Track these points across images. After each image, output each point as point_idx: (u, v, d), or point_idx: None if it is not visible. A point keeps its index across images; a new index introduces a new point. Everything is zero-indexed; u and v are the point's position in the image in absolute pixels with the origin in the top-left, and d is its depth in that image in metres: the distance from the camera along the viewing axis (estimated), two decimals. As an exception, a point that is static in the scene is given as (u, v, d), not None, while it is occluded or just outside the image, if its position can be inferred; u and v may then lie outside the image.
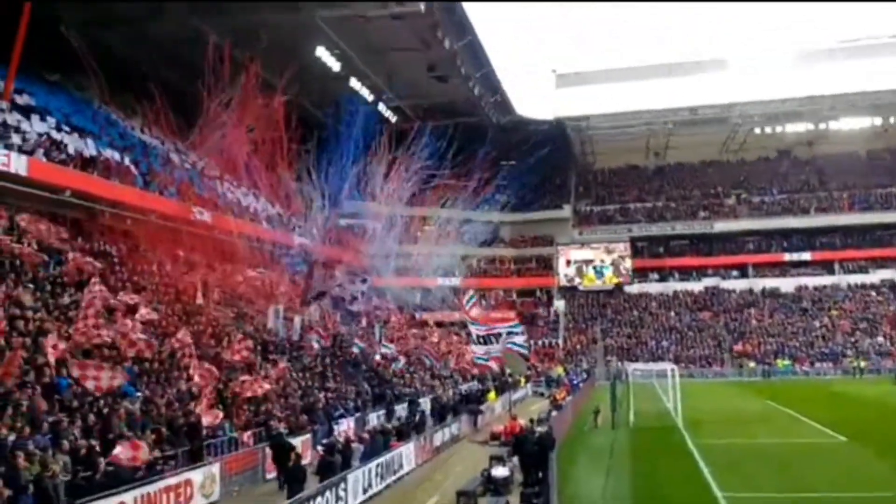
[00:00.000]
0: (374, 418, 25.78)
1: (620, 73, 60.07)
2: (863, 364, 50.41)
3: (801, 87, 56.43)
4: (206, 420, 17.36)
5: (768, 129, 64.75)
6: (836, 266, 61.19)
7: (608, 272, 62.38)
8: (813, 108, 59.76)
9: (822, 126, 63.79)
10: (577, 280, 62.60)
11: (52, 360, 15.40)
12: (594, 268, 62.55)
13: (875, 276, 59.20)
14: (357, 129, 33.99)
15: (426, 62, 41.21)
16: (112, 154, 28.45)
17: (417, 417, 25.56)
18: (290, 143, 29.20)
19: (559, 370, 49.88)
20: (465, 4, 36.38)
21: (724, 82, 57.46)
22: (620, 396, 28.96)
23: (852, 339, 54.40)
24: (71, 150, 26.06)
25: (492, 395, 34.97)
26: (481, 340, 27.95)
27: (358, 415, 25.04)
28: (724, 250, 63.78)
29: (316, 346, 29.71)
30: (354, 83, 41.55)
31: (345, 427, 22.37)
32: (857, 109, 60.46)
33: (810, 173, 66.60)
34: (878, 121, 62.30)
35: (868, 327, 55.06)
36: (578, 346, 57.67)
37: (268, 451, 17.72)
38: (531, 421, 22.00)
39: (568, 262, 63.14)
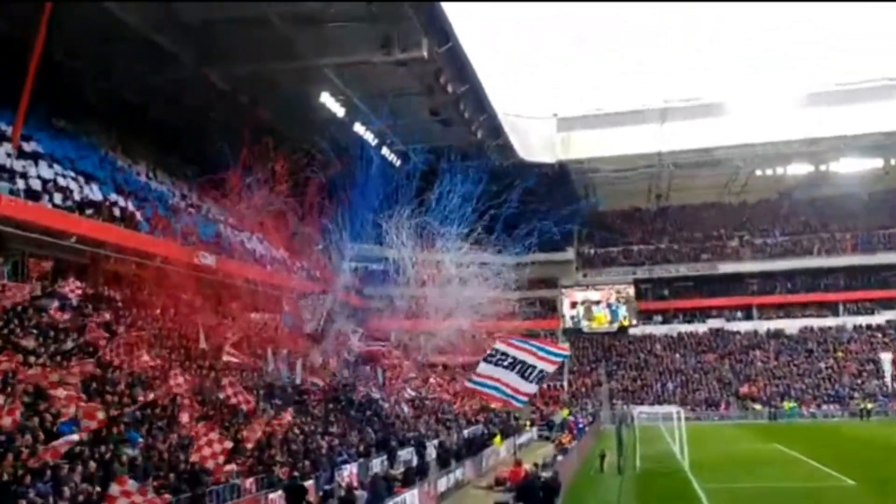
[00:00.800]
0: (378, 464, 25.51)
1: (621, 116, 60.75)
2: (870, 406, 49.91)
3: (802, 130, 56.89)
4: (211, 464, 17.17)
5: (769, 171, 65.17)
6: (841, 307, 61.03)
7: (622, 310, 62.26)
8: (813, 150, 60.21)
9: (822, 168, 64.12)
10: (585, 323, 62.48)
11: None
12: (609, 306, 62.45)
13: (880, 318, 58.96)
14: (367, 174, 34.61)
15: (429, 107, 41.75)
16: (117, 199, 28.70)
17: (421, 461, 25.30)
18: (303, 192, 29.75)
19: (564, 413, 49.45)
20: (467, 50, 36.95)
21: (725, 125, 57.96)
22: (626, 440, 28.69)
23: (858, 381, 53.97)
24: (77, 195, 26.31)
25: (497, 439, 34.65)
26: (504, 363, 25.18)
27: (361, 460, 24.78)
28: (728, 292, 63.69)
29: (318, 391, 29.59)
30: (359, 128, 42.06)
31: (347, 473, 22.13)
32: (857, 151, 60.85)
33: (812, 215, 66.82)
34: (878, 163, 62.66)
35: (874, 369, 54.62)
36: (583, 389, 57.25)
37: (279, 495, 17.62)
38: (536, 465, 21.76)
39: (573, 305, 63.10)
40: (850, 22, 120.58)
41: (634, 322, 62.40)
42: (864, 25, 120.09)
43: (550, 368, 21.92)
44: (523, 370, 19.04)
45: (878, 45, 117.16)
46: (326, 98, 37.39)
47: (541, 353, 20.37)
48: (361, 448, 26.56)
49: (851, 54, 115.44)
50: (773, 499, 20.23)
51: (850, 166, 63.54)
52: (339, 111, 38.89)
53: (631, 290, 62.62)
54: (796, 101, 58.02)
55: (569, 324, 62.77)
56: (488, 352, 21.04)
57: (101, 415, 15.53)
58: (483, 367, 20.52)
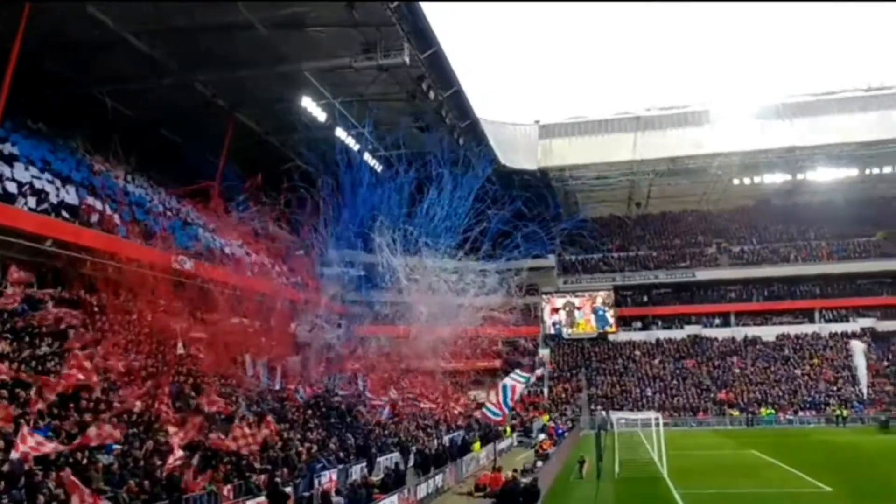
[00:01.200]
0: (357, 470, 25.37)
1: (602, 124, 61.17)
2: (845, 413, 50.48)
3: (779, 139, 57.56)
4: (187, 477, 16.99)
5: (747, 180, 65.84)
6: (817, 314, 61.71)
7: (609, 315, 62.49)
8: (790, 158, 60.91)
9: (799, 176, 64.93)
10: (568, 330, 62.62)
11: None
12: (594, 311, 62.64)
13: (856, 325, 59.55)
14: (350, 180, 34.56)
15: (411, 113, 41.72)
16: (94, 202, 28.39)
17: (401, 468, 25.22)
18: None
19: (545, 419, 49.55)
20: (450, 55, 37.02)
21: (704, 133, 58.52)
22: (605, 446, 28.78)
23: (834, 388, 54.55)
24: (53, 198, 26.00)
25: (476, 445, 34.62)
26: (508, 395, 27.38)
27: (340, 467, 24.64)
28: (706, 299, 64.30)
29: (300, 399, 29.41)
30: (340, 133, 41.95)
31: (326, 479, 21.99)
32: (833, 160, 61.66)
33: (789, 223, 67.59)
34: (854, 172, 63.53)
35: (850, 375, 55.26)
36: (563, 395, 57.39)
37: (257, 502, 17.52)
38: (516, 471, 21.78)
39: (554, 311, 63.28)
40: (827, 32, 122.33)
41: (614, 328, 62.70)
42: (841, 36, 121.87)
43: (521, 388, 26.29)
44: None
45: (853, 55, 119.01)
46: (308, 103, 37.26)
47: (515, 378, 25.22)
48: (341, 454, 26.44)
49: (828, 64, 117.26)
50: (749, 504, 20.43)
51: (827, 175, 64.38)
52: (321, 116, 38.77)
53: (611, 296, 62.88)
54: (773, 110, 58.70)
55: (550, 330, 62.91)
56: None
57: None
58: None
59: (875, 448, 35.08)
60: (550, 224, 57.34)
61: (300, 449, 24.06)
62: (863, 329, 58.92)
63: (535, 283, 64.00)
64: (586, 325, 62.69)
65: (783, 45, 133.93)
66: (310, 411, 29.81)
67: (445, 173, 36.59)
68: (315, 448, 25.23)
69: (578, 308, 63.03)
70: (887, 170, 62.84)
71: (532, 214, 49.40)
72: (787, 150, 58.80)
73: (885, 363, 56.48)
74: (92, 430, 15.60)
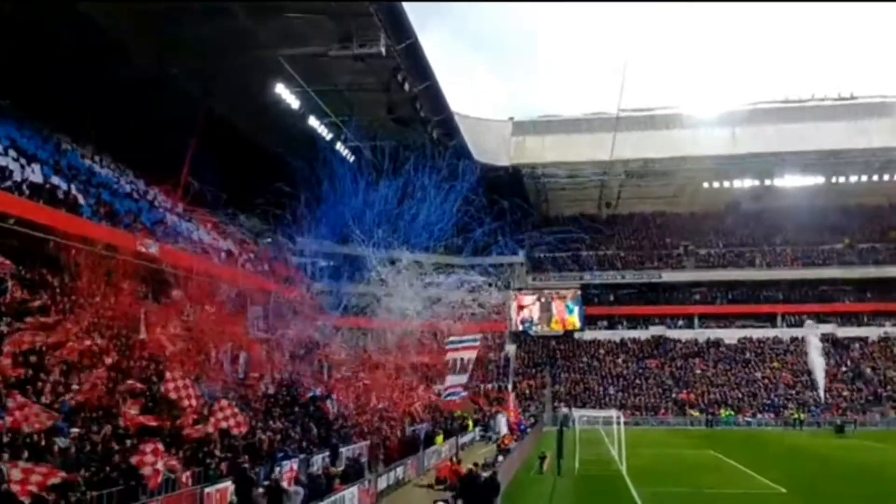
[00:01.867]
0: (320, 461, 25.29)
1: (576, 123, 61.53)
2: (803, 416, 51.50)
3: (748, 145, 58.41)
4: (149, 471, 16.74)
5: (716, 184, 66.72)
6: (779, 319, 62.76)
7: (577, 311, 62.86)
8: (760, 164, 61.82)
9: (768, 182, 65.94)
10: (537, 326, 62.87)
11: None
12: (567, 307, 63.00)
13: (816, 331, 60.54)
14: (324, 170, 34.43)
15: (386, 104, 41.61)
16: (60, 182, 27.90)
17: (362, 459, 25.21)
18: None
19: (509, 414, 49.68)
20: (426, 48, 36.98)
21: (675, 137, 59.17)
22: (567, 442, 29.03)
23: (793, 391, 55.60)
24: (17, 176, 25.51)
25: (439, 438, 34.66)
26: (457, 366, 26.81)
27: (302, 456, 24.55)
28: (671, 300, 65.09)
29: (265, 387, 29.20)
30: (313, 122, 41.71)
31: (287, 469, 21.89)
32: (801, 168, 62.71)
33: (756, 228, 68.58)
34: (820, 179, 64.65)
35: (808, 380, 56.33)
36: (527, 391, 57.74)
37: (216, 489, 17.43)
38: (476, 465, 21.85)
39: (521, 308, 63.53)
40: (801, 40, 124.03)
41: (580, 326, 63.14)
42: (815, 44, 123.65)
43: (471, 354, 24.64)
44: (454, 367, 22.90)
45: (825, 64, 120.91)
46: (281, 89, 37.00)
47: (461, 346, 23.37)
48: (304, 444, 26.34)
49: (798, 73, 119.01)
50: (705, 504, 20.82)
51: (794, 182, 65.47)
52: (294, 103, 38.53)
53: (579, 294, 63.30)
54: (745, 116, 59.54)
55: (517, 327, 63.17)
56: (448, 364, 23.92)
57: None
58: (451, 379, 25.17)
59: (830, 452, 35.82)
60: (521, 221, 57.78)
61: (262, 437, 23.94)
62: (823, 335, 60.08)
63: (503, 280, 64.22)
64: (556, 323, 63.03)
65: (757, 51, 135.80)
66: (273, 400, 29.61)
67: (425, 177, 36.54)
68: (278, 437, 25.11)
69: (548, 306, 63.35)
70: (853, 178, 64.15)
71: (503, 211, 49.66)
72: (757, 156, 59.72)
73: (844, 368, 57.70)
74: (18, 413, 15.23)
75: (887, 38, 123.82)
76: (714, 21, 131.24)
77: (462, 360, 25.43)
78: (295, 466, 22.70)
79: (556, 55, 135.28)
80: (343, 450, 27.42)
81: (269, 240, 39.21)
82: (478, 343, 27.62)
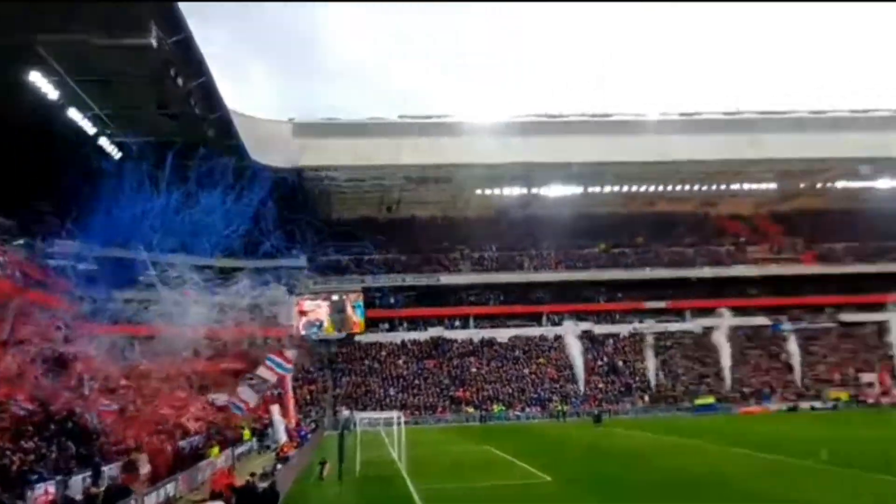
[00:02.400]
0: (80, 481, 23.22)
1: (358, 127, 61.94)
2: (565, 408, 55.86)
3: (517, 154, 62.05)
4: None
5: (489, 191, 70.33)
6: (544, 318, 67.49)
7: (359, 312, 63.00)
8: (526, 173, 66.00)
9: (534, 190, 70.61)
10: (315, 330, 62.30)
11: None
12: (353, 306, 62.84)
13: (577, 328, 65.27)
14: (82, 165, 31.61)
15: (156, 98, 39.26)
16: None
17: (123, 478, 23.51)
18: None
19: (289, 421, 48.77)
20: (201, 45, 35.38)
21: (452, 144, 61.45)
22: (348, 446, 29.10)
23: (557, 385, 60.06)
24: None
25: (214, 450, 33.22)
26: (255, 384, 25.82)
27: (59, 478, 22.41)
28: (449, 302, 67.54)
29: (17, 409, 26.23)
30: (74, 113, 38.30)
31: (42, 492, 19.90)
32: (562, 178, 67.83)
33: (524, 233, 73.24)
34: (578, 189, 70.40)
35: (570, 374, 61.12)
36: (308, 396, 57.13)
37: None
38: (253, 475, 21.25)
39: (302, 313, 62.72)
40: (563, 59, 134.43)
41: (362, 328, 63.63)
42: (575, 63, 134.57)
43: (271, 378, 23.69)
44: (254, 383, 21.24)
45: (584, 83, 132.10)
46: (37, 77, 33.61)
47: (269, 364, 22.14)
48: (61, 464, 24.07)
49: (564, 89, 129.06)
50: (479, 497, 21.87)
51: (556, 191, 70.73)
52: (52, 93, 35.16)
53: (360, 298, 63.77)
54: (515, 127, 63.26)
55: (299, 331, 62.24)
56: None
57: None
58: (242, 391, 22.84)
59: (588, 440, 39.07)
60: (304, 224, 57.08)
61: (13, 459, 21.58)
62: (582, 332, 65.34)
63: (289, 284, 63.07)
64: (331, 327, 63.00)
65: (527, 67, 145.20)
66: (24, 418, 26.71)
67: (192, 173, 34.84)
68: (31, 458, 22.74)
69: (341, 307, 63.15)
70: (606, 188, 70.60)
71: (285, 213, 48.75)
72: (523, 165, 63.60)
73: (600, 363, 63.38)
74: None
75: (645, 60, 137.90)
76: (487, 34, 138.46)
77: (264, 379, 24.82)
78: (51, 489, 20.76)
79: (340, 59, 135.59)
80: (105, 468, 25.44)
81: (22, 241, 35.37)
82: (288, 374, 27.19)
